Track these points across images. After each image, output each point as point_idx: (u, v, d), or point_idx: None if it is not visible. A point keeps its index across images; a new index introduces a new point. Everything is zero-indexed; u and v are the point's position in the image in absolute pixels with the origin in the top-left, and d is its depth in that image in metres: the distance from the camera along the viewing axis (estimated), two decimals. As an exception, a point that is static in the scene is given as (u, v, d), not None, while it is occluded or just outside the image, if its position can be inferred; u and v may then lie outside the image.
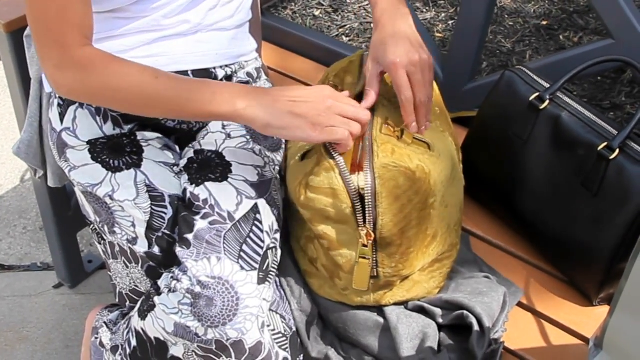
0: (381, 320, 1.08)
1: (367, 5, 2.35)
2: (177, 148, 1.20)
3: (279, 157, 1.21)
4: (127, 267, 1.14)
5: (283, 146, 1.24)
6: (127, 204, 1.10)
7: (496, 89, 1.22)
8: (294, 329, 1.11)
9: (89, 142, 1.13)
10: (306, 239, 1.11)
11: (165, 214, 1.10)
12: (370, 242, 1.00)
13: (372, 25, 2.31)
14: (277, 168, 1.19)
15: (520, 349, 1.07)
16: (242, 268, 1.03)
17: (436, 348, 1.04)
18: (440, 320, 1.06)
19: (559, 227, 1.13)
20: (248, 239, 1.05)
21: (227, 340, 1.01)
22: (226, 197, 1.08)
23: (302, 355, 1.12)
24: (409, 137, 1.03)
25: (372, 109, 1.07)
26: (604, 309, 1.12)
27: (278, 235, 1.10)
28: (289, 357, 1.08)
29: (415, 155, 1.00)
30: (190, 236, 1.05)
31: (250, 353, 1.03)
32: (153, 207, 1.10)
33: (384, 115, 1.07)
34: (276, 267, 1.10)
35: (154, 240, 1.10)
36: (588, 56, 1.29)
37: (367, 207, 0.98)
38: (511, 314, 1.11)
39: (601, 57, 1.16)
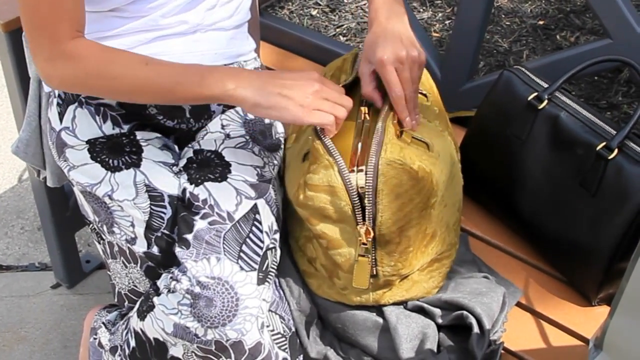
0: (380, 320, 1.08)
1: (364, 4, 2.36)
2: (176, 148, 1.20)
3: (278, 157, 1.21)
4: (126, 267, 1.14)
5: (282, 146, 1.24)
6: (126, 203, 1.10)
7: (494, 89, 1.22)
8: (293, 329, 1.11)
9: (88, 142, 1.13)
10: (305, 238, 1.11)
11: (165, 213, 1.10)
12: (370, 240, 1.00)
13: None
14: (277, 168, 1.19)
15: (519, 349, 1.08)
16: (242, 268, 1.03)
17: (435, 348, 1.04)
18: (440, 321, 1.06)
19: (557, 227, 1.13)
20: (247, 240, 1.05)
21: (227, 340, 1.01)
22: (226, 197, 1.08)
23: (301, 356, 1.12)
24: (408, 137, 1.04)
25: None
26: (603, 309, 1.12)
27: (277, 236, 1.10)
28: (289, 358, 1.08)
29: (416, 156, 1.00)
30: (189, 236, 1.05)
31: (249, 353, 1.03)
32: (152, 207, 1.10)
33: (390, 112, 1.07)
34: (275, 267, 1.10)
35: (153, 240, 1.10)
36: (586, 56, 1.29)
37: (367, 203, 0.98)
38: (510, 314, 1.11)
39: (599, 57, 1.16)
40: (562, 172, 1.12)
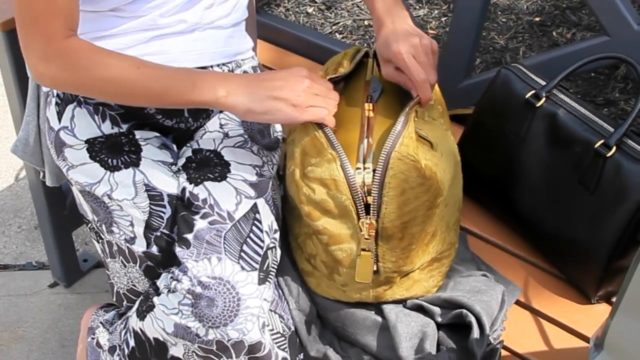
0: (379, 319, 1.08)
1: (360, 2, 2.35)
2: (175, 147, 1.20)
3: (276, 156, 1.21)
4: (125, 266, 1.14)
5: (281, 145, 1.24)
6: (125, 203, 1.10)
7: (492, 87, 1.22)
8: (293, 328, 1.11)
9: (87, 141, 1.13)
10: (304, 235, 1.11)
11: (164, 213, 1.10)
12: (372, 234, 1.00)
13: (365, 22, 2.31)
14: (275, 167, 1.19)
15: (518, 347, 1.08)
16: (243, 268, 1.03)
17: (435, 347, 1.04)
18: (439, 319, 1.06)
19: (556, 224, 1.13)
20: (248, 239, 1.05)
21: (228, 340, 1.01)
22: (225, 196, 1.08)
23: (301, 355, 1.12)
24: (415, 135, 1.04)
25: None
26: (602, 307, 1.13)
27: (277, 235, 1.11)
28: (288, 357, 1.08)
29: (422, 154, 1.00)
30: (189, 236, 1.05)
31: (249, 350, 1.03)
32: (152, 206, 1.10)
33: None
34: (276, 267, 1.10)
35: (152, 239, 1.10)
36: (583, 53, 1.29)
37: (373, 195, 0.98)
38: (509, 312, 1.11)
39: (597, 55, 1.16)
40: (561, 170, 1.12)
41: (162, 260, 1.11)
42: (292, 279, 1.13)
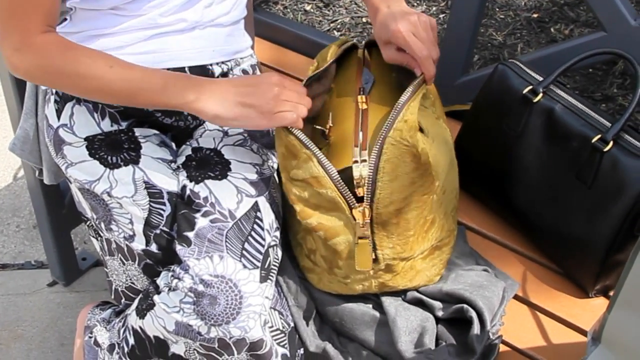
0: (378, 314, 1.08)
1: (357, -1, 2.36)
2: (174, 145, 1.20)
3: (276, 154, 1.21)
4: (124, 264, 1.14)
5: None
6: (125, 200, 1.10)
7: (489, 83, 1.22)
8: (292, 324, 1.11)
9: (86, 139, 1.13)
10: (304, 231, 1.11)
11: (164, 210, 1.10)
12: (367, 221, 1.00)
13: (363, 19, 2.31)
14: (275, 165, 1.19)
15: (516, 341, 1.08)
16: (245, 266, 1.03)
17: (434, 342, 1.04)
18: (440, 314, 1.06)
19: (553, 219, 1.14)
20: (249, 237, 1.06)
21: (230, 338, 1.02)
22: (226, 195, 1.08)
23: (301, 350, 1.12)
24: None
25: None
26: (600, 301, 1.13)
27: (278, 233, 1.11)
28: (288, 353, 1.09)
29: (421, 139, 1.00)
30: (191, 234, 1.05)
31: (249, 347, 1.03)
32: (151, 203, 1.10)
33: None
34: (277, 265, 1.10)
35: (151, 237, 1.10)
36: (580, 49, 1.29)
37: (367, 181, 0.98)
38: (507, 307, 1.12)
39: (594, 50, 1.16)
40: (558, 165, 1.12)
41: (162, 258, 1.11)
42: (290, 275, 1.13)
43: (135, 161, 1.12)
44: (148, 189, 1.10)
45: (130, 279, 1.15)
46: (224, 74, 1.22)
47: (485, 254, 1.19)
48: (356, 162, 1.00)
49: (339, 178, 0.99)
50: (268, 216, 1.09)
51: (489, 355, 1.02)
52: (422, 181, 1.00)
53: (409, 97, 1.01)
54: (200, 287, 1.01)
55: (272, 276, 1.08)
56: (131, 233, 1.11)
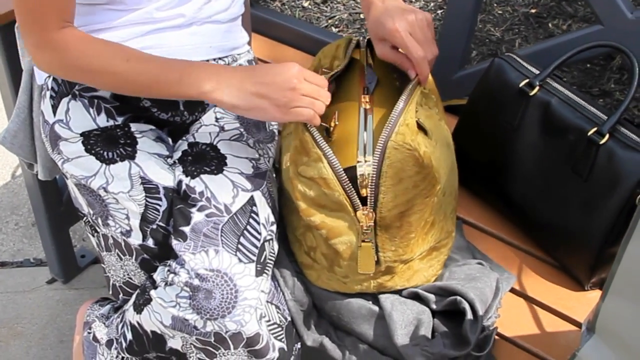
0: (375, 308, 1.08)
1: (356, -5, 2.36)
2: (170, 140, 1.20)
3: (272, 149, 1.21)
4: (121, 259, 1.14)
5: (276, 138, 1.24)
6: (121, 196, 1.10)
7: (486, 76, 1.22)
8: (289, 318, 1.12)
9: (82, 134, 1.13)
10: (304, 227, 1.11)
11: (160, 206, 1.10)
12: (371, 224, 1.00)
13: (361, 15, 2.31)
14: (271, 160, 1.19)
15: (513, 334, 1.08)
16: (240, 260, 1.03)
17: (430, 334, 1.05)
18: (434, 306, 1.07)
19: (550, 212, 1.14)
20: (245, 232, 1.06)
21: (226, 332, 1.02)
22: (222, 189, 1.08)
23: (298, 344, 1.12)
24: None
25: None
26: (596, 294, 1.13)
27: (274, 227, 1.11)
28: (285, 347, 1.09)
29: (422, 142, 1.01)
30: (186, 229, 1.05)
31: (247, 342, 1.04)
32: (147, 199, 1.10)
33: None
34: (273, 259, 1.10)
35: (148, 232, 1.10)
36: (577, 42, 1.29)
37: (369, 185, 0.98)
38: (504, 300, 1.12)
39: (590, 43, 1.16)
40: (554, 158, 1.12)
41: (158, 253, 1.11)
42: (287, 270, 1.14)
43: (131, 156, 1.12)
44: (144, 184, 1.10)
45: (128, 274, 1.15)
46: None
47: (481, 247, 1.19)
48: (359, 162, 1.00)
49: (347, 180, 0.99)
50: (264, 210, 1.09)
51: (484, 347, 1.02)
52: (424, 184, 1.00)
53: (407, 100, 1.01)
54: (196, 282, 1.01)
55: (268, 270, 1.08)
56: (128, 228, 1.11)
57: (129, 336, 1.12)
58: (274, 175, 1.19)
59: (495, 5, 2.30)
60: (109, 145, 1.12)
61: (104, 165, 1.11)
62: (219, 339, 1.03)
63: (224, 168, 1.11)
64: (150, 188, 1.10)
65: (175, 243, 1.05)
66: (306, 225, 1.10)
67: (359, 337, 1.09)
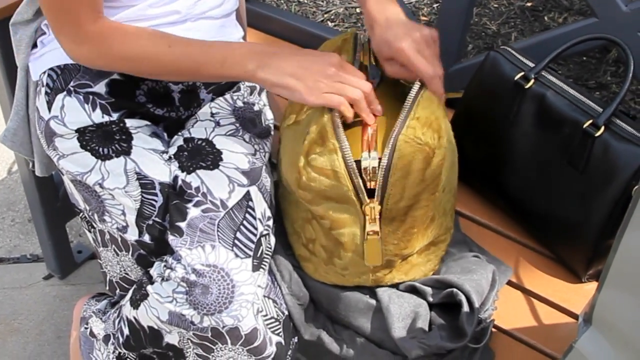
0: (373, 302, 1.08)
1: (351, -11, 2.35)
2: (166, 136, 1.20)
3: (268, 143, 1.21)
4: (118, 255, 1.14)
5: (272, 133, 1.24)
6: (117, 192, 1.10)
7: (481, 70, 1.22)
8: (286, 313, 1.12)
9: (77, 130, 1.13)
10: (303, 220, 1.11)
11: (156, 201, 1.10)
12: (377, 217, 1.00)
13: (357, 10, 2.31)
14: (267, 155, 1.19)
15: (510, 326, 1.09)
16: (237, 255, 1.03)
17: (427, 327, 1.05)
18: (431, 299, 1.07)
19: (546, 205, 1.14)
20: (241, 227, 1.06)
21: (223, 327, 1.02)
22: (218, 184, 1.08)
23: (295, 338, 1.13)
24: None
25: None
26: (593, 286, 1.13)
27: (271, 222, 1.11)
28: (283, 341, 1.09)
29: (431, 138, 1.01)
30: (183, 224, 1.05)
31: (245, 339, 1.04)
32: (143, 194, 1.10)
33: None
34: (270, 254, 1.10)
35: (144, 228, 1.10)
36: (572, 35, 1.29)
37: (378, 178, 0.98)
38: (501, 292, 1.12)
39: (585, 36, 1.16)
40: (550, 151, 1.12)
41: (155, 249, 1.11)
42: (284, 264, 1.14)
43: (126, 152, 1.12)
44: (140, 180, 1.10)
45: (124, 270, 1.15)
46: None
47: (478, 240, 1.20)
48: (364, 156, 0.99)
49: (358, 174, 0.99)
50: (260, 205, 1.09)
51: (481, 339, 1.02)
52: (431, 179, 1.01)
53: (417, 94, 1.01)
54: (193, 277, 1.01)
55: (264, 265, 1.08)
56: (124, 224, 1.11)
57: (126, 331, 1.12)
58: (271, 170, 1.19)
59: (491, -2, 2.30)
60: (104, 141, 1.12)
61: (99, 161, 1.11)
62: (216, 334, 1.03)
63: (220, 163, 1.11)
64: (146, 184, 1.10)
65: (171, 239, 1.05)
66: (305, 218, 1.10)
67: (356, 330, 1.09)
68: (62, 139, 1.14)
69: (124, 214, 1.11)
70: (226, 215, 1.06)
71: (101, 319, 1.21)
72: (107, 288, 1.21)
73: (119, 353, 1.15)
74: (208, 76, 1.07)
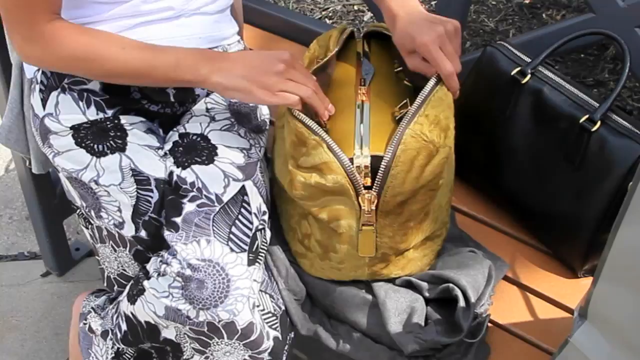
0: (369, 297, 1.08)
1: (349, -14, 2.35)
2: (161, 132, 1.20)
3: (264, 138, 1.21)
4: (115, 251, 1.14)
5: (268, 127, 1.24)
6: (112, 188, 1.10)
7: (478, 65, 1.22)
8: (283, 307, 1.12)
9: (72, 127, 1.13)
10: (299, 215, 1.11)
11: (152, 197, 1.10)
12: (372, 209, 1.00)
13: (355, 7, 2.30)
14: (263, 150, 1.19)
15: (506, 321, 1.09)
16: (232, 250, 1.03)
17: (423, 322, 1.05)
18: (427, 294, 1.07)
19: (542, 200, 1.14)
20: (237, 221, 1.06)
21: (219, 322, 1.02)
22: (213, 179, 1.08)
23: (292, 333, 1.13)
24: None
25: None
26: (589, 281, 1.13)
27: (266, 217, 1.11)
28: (280, 336, 1.09)
29: (437, 136, 1.01)
30: (178, 219, 1.05)
31: (242, 334, 1.04)
32: (139, 191, 1.10)
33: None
34: (265, 248, 1.10)
35: (140, 224, 1.10)
36: (569, 31, 1.29)
37: (380, 169, 0.98)
38: (497, 287, 1.12)
39: (582, 31, 1.16)
40: (546, 146, 1.12)
41: (152, 244, 1.11)
42: (280, 259, 1.14)
43: (121, 149, 1.11)
44: (135, 176, 1.10)
45: (122, 266, 1.15)
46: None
47: (475, 236, 1.20)
48: (356, 154, 1.00)
49: (349, 163, 0.99)
50: (256, 200, 1.09)
51: (477, 334, 1.02)
52: (432, 176, 1.01)
53: (429, 92, 1.01)
54: (188, 272, 1.01)
55: (260, 259, 1.08)
56: (120, 220, 1.11)
57: (124, 327, 1.12)
58: (266, 165, 1.19)
59: (488, -5, 2.30)
60: (99, 138, 1.12)
61: (94, 158, 1.11)
62: (212, 329, 1.03)
63: (215, 158, 1.10)
64: (141, 180, 1.10)
65: (167, 234, 1.05)
66: (301, 213, 1.10)
67: (353, 325, 1.09)
68: (57, 136, 1.14)
69: (119, 210, 1.10)
70: (221, 209, 1.06)
71: (99, 314, 1.21)
72: (105, 284, 1.21)
73: (118, 348, 1.15)
74: (161, 80, 1.06)
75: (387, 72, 1.14)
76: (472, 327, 1.03)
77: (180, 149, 1.12)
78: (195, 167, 1.09)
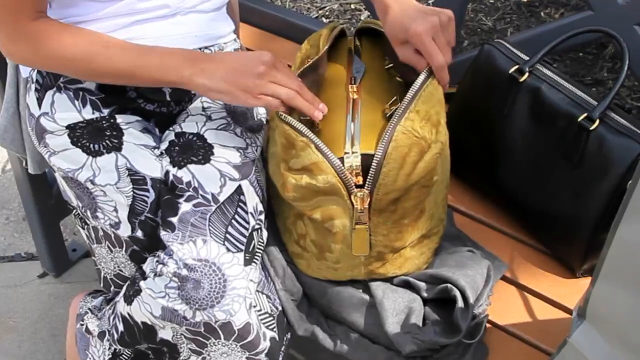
0: (366, 297, 1.08)
1: (346, -15, 2.34)
2: (157, 131, 1.20)
3: (260, 138, 1.21)
4: (111, 251, 1.14)
5: (264, 127, 1.23)
6: (108, 188, 1.09)
7: (476, 63, 1.22)
8: (280, 308, 1.11)
9: (68, 127, 1.12)
10: (295, 216, 1.10)
11: (148, 197, 1.09)
12: (365, 207, 1.00)
13: (352, 5, 2.30)
14: (259, 149, 1.18)
15: (504, 321, 1.08)
16: (228, 250, 1.03)
17: (421, 322, 1.04)
18: (425, 294, 1.06)
19: (541, 199, 1.13)
20: (233, 221, 1.05)
21: (216, 322, 1.01)
22: (209, 179, 1.07)
23: (289, 334, 1.12)
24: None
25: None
26: (588, 281, 1.12)
27: (263, 217, 1.10)
28: (277, 337, 1.09)
29: (428, 132, 1.00)
30: (174, 219, 1.05)
31: (238, 334, 1.04)
32: (135, 190, 1.09)
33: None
34: (262, 248, 1.10)
35: (136, 224, 1.10)
36: (567, 29, 1.28)
37: (372, 166, 0.98)
38: (495, 287, 1.12)
39: (580, 28, 1.16)
40: (545, 145, 1.12)
41: (148, 245, 1.10)
42: (277, 259, 1.13)
43: (117, 148, 1.11)
44: (131, 175, 1.09)
45: (118, 266, 1.15)
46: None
47: (473, 236, 1.19)
48: (347, 153, 0.99)
49: (339, 163, 0.98)
50: (252, 199, 1.09)
51: (475, 335, 1.02)
52: (425, 172, 1.00)
53: (420, 87, 1.00)
54: (184, 272, 1.01)
55: (256, 259, 1.07)
56: (116, 220, 1.10)
57: (120, 327, 1.11)
58: (262, 164, 1.19)
59: (486, -7, 2.30)
60: (95, 137, 1.12)
61: (90, 157, 1.10)
62: (208, 329, 1.03)
63: (211, 157, 1.10)
64: (137, 179, 1.09)
65: (163, 234, 1.05)
66: (297, 214, 1.09)
67: (350, 326, 1.09)
68: (52, 135, 1.13)
69: (115, 210, 1.10)
70: (217, 209, 1.05)
71: (96, 315, 1.21)
72: (102, 285, 1.21)
73: (115, 349, 1.15)
74: (147, 80, 1.06)
75: (378, 69, 1.14)
76: (471, 328, 1.02)
77: (177, 148, 1.12)
78: (191, 166, 1.08)
